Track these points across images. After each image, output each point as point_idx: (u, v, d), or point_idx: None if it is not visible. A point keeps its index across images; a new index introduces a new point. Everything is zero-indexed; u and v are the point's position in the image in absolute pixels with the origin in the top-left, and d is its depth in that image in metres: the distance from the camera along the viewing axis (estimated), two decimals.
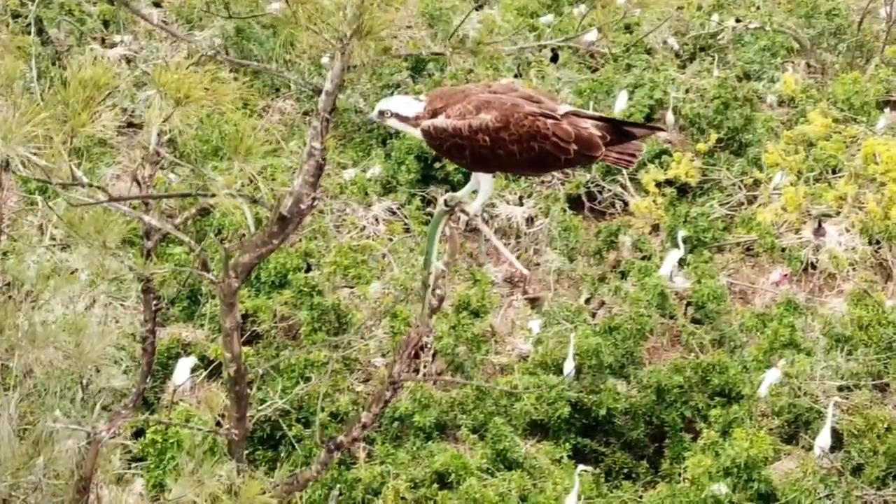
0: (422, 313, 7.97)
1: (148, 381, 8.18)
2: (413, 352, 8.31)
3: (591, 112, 7.73)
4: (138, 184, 8.06)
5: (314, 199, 7.33)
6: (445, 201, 7.77)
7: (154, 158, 7.89)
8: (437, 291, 7.73)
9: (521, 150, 7.21)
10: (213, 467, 7.18)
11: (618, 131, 7.43)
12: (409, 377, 8.35)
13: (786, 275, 18.82)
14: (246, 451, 14.69)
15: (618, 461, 15.75)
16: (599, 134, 7.30)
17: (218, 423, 8.87)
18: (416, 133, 7.34)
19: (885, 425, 14.43)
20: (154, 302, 8.14)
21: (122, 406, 7.95)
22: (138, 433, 14.13)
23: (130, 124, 22.94)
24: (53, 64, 22.71)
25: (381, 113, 7.36)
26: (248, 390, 8.25)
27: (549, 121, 7.22)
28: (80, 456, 7.43)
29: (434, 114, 7.28)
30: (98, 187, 6.51)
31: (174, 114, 6.02)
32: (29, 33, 22.99)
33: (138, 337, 8.16)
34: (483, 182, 7.57)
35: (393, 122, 7.37)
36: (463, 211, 7.74)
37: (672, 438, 15.87)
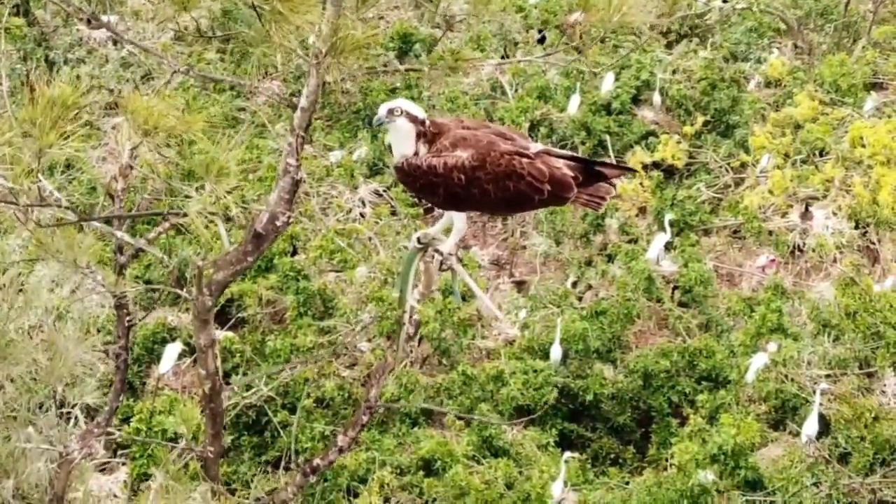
0: (397, 349, 7.89)
1: (121, 398, 8.06)
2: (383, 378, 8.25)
3: (562, 151, 7.48)
4: (111, 198, 7.93)
5: (289, 216, 7.22)
6: (418, 239, 7.57)
7: (126, 172, 7.76)
8: (414, 317, 7.64)
9: (496, 190, 7.02)
10: (187, 488, 7.06)
11: (589, 171, 7.25)
12: (385, 404, 8.26)
13: (773, 260, 18.78)
14: (231, 437, 14.75)
15: (604, 446, 15.73)
16: (572, 174, 7.13)
17: (194, 437, 8.72)
18: (409, 146, 7.06)
19: (873, 414, 14.40)
20: (127, 318, 7.99)
21: (94, 424, 7.81)
22: (123, 420, 14.05)
23: (116, 105, 22.82)
24: (39, 45, 22.59)
25: (391, 111, 7.04)
26: (223, 406, 8.09)
27: (524, 160, 7.04)
28: (52, 475, 7.30)
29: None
30: (67, 207, 6.35)
31: (142, 143, 5.89)
32: (16, 14, 22.86)
33: (111, 354, 8.01)
34: (457, 220, 7.35)
35: (402, 123, 7.05)
36: (437, 251, 7.51)
37: (659, 423, 15.86)
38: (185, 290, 7.59)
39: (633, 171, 8.10)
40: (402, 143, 7.10)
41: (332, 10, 6.96)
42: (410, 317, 7.68)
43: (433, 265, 7.59)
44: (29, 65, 22.51)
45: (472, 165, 6.95)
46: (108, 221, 7.84)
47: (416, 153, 7.06)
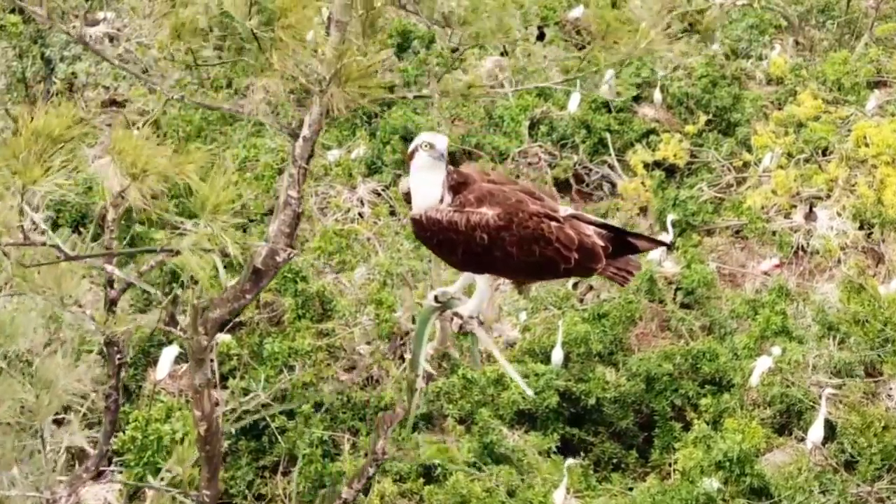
0: (409, 412, 7.45)
1: (112, 441, 7.75)
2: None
3: (593, 217, 6.83)
4: (102, 228, 7.60)
5: (291, 251, 6.81)
6: (436, 297, 6.90)
7: (117, 202, 7.46)
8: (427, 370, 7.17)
9: (520, 254, 6.37)
10: None
11: (619, 241, 6.67)
12: (391, 455, 7.82)
13: (777, 266, 18.58)
14: (228, 442, 14.53)
15: (606, 451, 15.53)
16: (602, 244, 6.56)
17: (191, 484, 8.32)
18: (436, 192, 6.38)
19: (883, 423, 14.20)
20: (118, 356, 7.65)
21: (83, 469, 7.50)
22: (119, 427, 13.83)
23: (113, 101, 22.63)
24: (35, 42, 22.36)
25: (440, 147, 6.34)
26: (221, 448, 7.70)
27: (553, 223, 6.44)
28: None
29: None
30: (52, 245, 5.99)
31: (131, 187, 5.53)
32: (12, 11, 22.61)
33: (101, 393, 7.68)
34: (480, 280, 6.69)
35: (442, 164, 6.38)
36: (456, 314, 6.82)
37: (662, 427, 15.66)
38: (178, 327, 7.20)
39: (667, 245, 7.47)
40: (431, 187, 6.45)
41: (336, 35, 6.63)
42: (424, 379, 7.11)
43: (449, 324, 6.90)
44: (25, 62, 22.31)
45: (497, 225, 6.36)
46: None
47: (441, 200, 6.42)
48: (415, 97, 7.87)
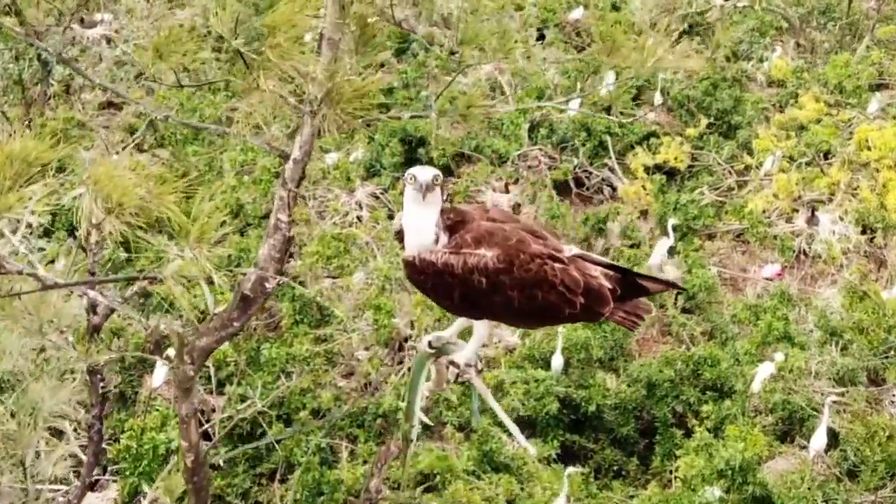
0: (404, 464, 7.17)
1: (94, 472, 7.53)
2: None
3: (598, 257, 6.50)
4: (84, 251, 7.38)
5: (280, 278, 6.51)
6: (430, 343, 6.59)
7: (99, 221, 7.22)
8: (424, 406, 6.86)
9: (521, 299, 6.01)
10: None
11: (628, 283, 6.32)
12: (387, 496, 7.51)
13: (779, 274, 18.43)
14: (225, 449, 14.38)
15: (607, 458, 15.37)
16: (610, 286, 6.20)
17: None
18: (430, 232, 6.07)
19: (887, 433, 14.07)
20: (101, 385, 7.41)
21: (65, 502, 7.28)
22: (114, 436, 13.71)
23: (110, 104, 22.51)
24: (31, 44, 22.20)
25: (436, 178, 6.13)
26: (210, 478, 7.41)
27: (557, 265, 6.11)
28: None
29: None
30: (30, 274, 5.75)
31: (105, 221, 5.27)
32: (7, 13, 22.45)
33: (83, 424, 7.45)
34: (478, 324, 6.36)
35: (437, 197, 6.11)
36: (452, 362, 6.53)
37: (663, 434, 15.50)
38: (164, 356, 6.96)
39: (678, 287, 7.06)
40: (424, 225, 6.12)
41: (328, 54, 6.38)
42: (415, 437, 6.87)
43: (446, 369, 6.61)
44: (21, 64, 22.17)
45: (496, 268, 5.98)
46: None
47: (436, 240, 6.09)
48: (411, 117, 7.58)
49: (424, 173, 6.09)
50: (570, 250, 6.28)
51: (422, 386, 6.80)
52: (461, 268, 6.00)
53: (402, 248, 6.31)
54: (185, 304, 5.59)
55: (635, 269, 6.63)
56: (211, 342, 6.77)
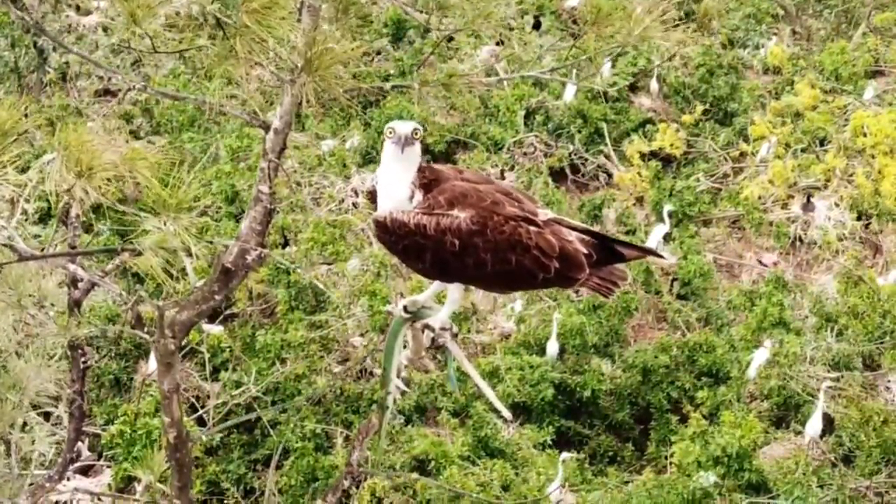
0: (379, 430, 7.11)
1: (76, 449, 7.44)
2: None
3: (575, 222, 6.36)
4: (65, 224, 7.30)
5: (262, 250, 6.41)
6: (405, 307, 6.47)
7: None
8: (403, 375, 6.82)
9: (494, 262, 5.87)
10: None
11: (605, 249, 6.21)
12: (368, 470, 7.42)
13: (776, 263, 18.42)
14: (221, 435, 14.38)
15: (602, 444, 15.37)
16: (585, 251, 6.07)
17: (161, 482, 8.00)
18: (405, 188, 5.92)
19: (882, 417, 14.07)
20: (82, 359, 7.34)
21: (46, 478, 7.18)
22: (108, 421, 13.71)
23: (107, 91, 22.46)
24: (27, 32, 22.17)
25: (416, 131, 5.96)
26: (192, 456, 7.25)
27: (532, 228, 5.96)
28: None
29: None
30: (6, 245, 5.65)
31: (76, 186, 5.16)
32: (3, 1, 22.39)
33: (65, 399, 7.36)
34: (451, 288, 6.24)
35: (416, 151, 5.97)
36: (427, 326, 6.40)
37: (658, 420, 15.50)
38: (145, 329, 6.86)
39: (657, 254, 7.02)
40: (399, 183, 5.97)
41: (309, 20, 6.25)
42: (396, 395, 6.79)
43: (423, 335, 6.49)
44: (17, 52, 22.13)
45: (469, 229, 5.82)
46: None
47: (410, 198, 5.93)
48: (393, 87, 7.48)
49: (404, 126, 5.94)
50: (545, 214, 6.15)
51: (398, 352, 6.70)
52: (434, 229, 5.86)
53: (374, 209, 6.16)
54: (163, 276, 5.52)
55: None
56: (192, 315, 6.68)
